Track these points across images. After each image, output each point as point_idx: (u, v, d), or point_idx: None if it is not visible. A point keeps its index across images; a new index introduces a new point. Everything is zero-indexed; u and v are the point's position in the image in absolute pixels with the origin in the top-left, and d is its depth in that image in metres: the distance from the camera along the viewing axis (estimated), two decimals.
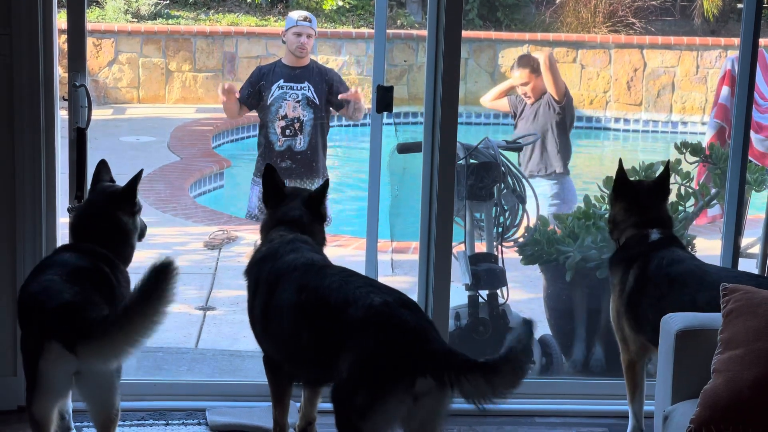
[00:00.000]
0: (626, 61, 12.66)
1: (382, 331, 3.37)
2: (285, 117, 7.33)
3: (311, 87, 7.35)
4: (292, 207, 4.13)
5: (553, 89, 6.80)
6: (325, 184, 4.25)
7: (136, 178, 4.05)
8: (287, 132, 7.32)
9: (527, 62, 7.03)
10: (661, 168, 5.75)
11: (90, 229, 4.02)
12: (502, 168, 5.50)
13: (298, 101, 7.31)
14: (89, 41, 4.74)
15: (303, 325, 3.63)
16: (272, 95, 7.34)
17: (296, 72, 7.31)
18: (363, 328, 3.40)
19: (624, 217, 4.45)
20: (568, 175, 6.97)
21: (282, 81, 7.37)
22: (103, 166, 4.17)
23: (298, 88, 7.32)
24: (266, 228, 4.16)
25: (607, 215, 4.65)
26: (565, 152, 6.99)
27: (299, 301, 3.66)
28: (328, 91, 7.39)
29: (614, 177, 4.49)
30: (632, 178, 4.60)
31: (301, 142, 7.34)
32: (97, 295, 3.73)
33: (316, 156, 7.37)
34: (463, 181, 5.43)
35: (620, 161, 4.47)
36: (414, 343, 3.34)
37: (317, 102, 7.33)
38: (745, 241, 6.15)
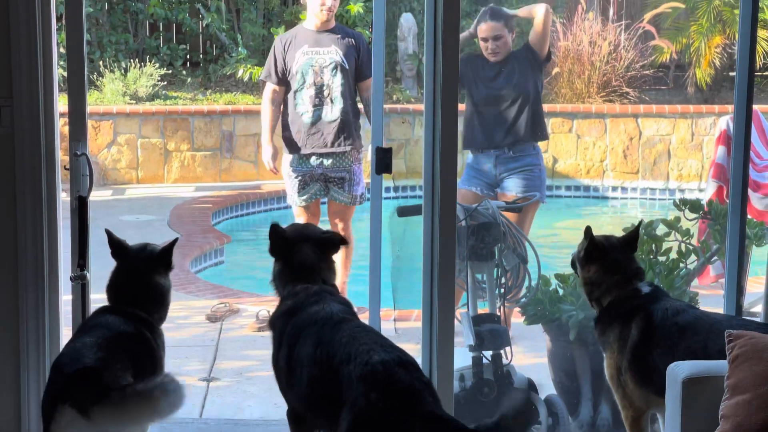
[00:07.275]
0: (622, 129, 12.76)
1: (373, 391, 3.37)
2: (313, 84, 6.89)
3: (338, 51, 6.88)
4: (305, 254, 4.04)
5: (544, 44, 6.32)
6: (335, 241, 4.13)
7: (173, 243, 4.24)
8: (316, 101, 6.88)
9: (499, 14, 6.36)
10: (665, 224, 5.80)
11: (129, 292, 4.12)
12: (502, 228, 5.51)
13: (326, 66, 6.87)
14: (88, 123, 4.76)
15: (317, 379, 3.65)
16: (296, 62, 6.89)
17: (321, 36, 6.87)
18: (358, 386, 3.41)
19: (603, 278, 4.39)
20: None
21: (306, 46, 6.90)
22: (111, 234, 4.25)
23: (325, 52, 6.86)
24: (282, 279, 4.05)
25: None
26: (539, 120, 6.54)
27: (314, 355, 3.68)
28: (356, 58, 6.91)
29: (585, 245, 4.43)
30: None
31: (332, 110, 6.92)
32: (131, 361, 3.78)
33: (348, 124, 6.97)
34: (464, 242, 5.44)
35: (588, 229, 4.44)
36: (404, 405, 3.33)
37: (347, 66, 6.89)
38: (747, 300, 6.16)
